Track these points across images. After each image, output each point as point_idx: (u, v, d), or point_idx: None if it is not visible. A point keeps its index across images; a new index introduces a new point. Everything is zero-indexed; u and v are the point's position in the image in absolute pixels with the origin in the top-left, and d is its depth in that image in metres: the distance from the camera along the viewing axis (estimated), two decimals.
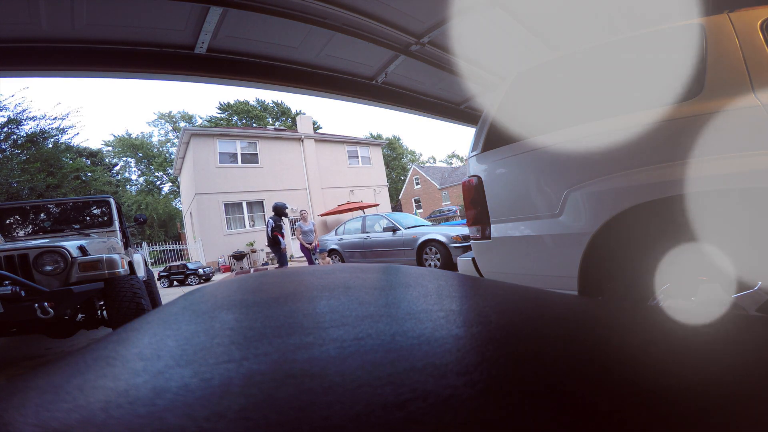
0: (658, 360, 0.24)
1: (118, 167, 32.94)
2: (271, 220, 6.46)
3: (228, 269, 13.86)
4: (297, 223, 7.34)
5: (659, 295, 1.33)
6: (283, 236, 6.57)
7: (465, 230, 6.04)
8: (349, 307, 0.38)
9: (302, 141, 17.08)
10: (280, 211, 6.59)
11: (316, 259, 7.44)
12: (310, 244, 7.21)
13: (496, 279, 1.54)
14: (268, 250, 14.74)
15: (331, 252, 8.43)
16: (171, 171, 27.60)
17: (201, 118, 36.55)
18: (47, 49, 2.38)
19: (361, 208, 15.07)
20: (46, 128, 12.68)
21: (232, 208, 14.98)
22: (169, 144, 34.38)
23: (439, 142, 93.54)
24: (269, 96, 38.55)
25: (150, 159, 33.18)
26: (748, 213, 1.19)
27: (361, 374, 0.21)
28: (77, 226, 4.14)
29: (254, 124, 31.36)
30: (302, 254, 7.66)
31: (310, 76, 3.44)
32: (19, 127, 11.80)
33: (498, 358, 0.24)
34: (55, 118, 12.93)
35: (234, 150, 15.47)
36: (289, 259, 14.96)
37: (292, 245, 15.92)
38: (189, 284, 11.40)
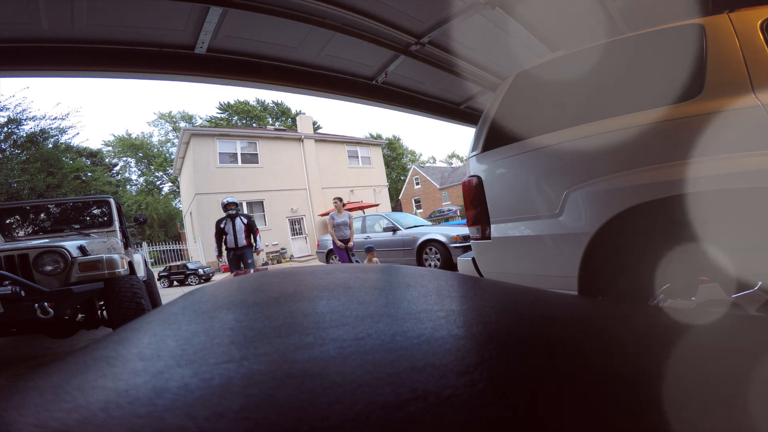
0: (657, 360, 0.24)
1: (118, 167, 32.97)
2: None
3: (228, 269, 13.85)
4: (330, 215, 5.94)
5: (659, 295, 1.33)
6: (222, 240, 5.22)
7: (465, 230, 6.04)
8: (349, 307, 0.38)
9: (302, 141, 17.09)
10: (223, 206, 5.25)
11: (356, 260, 6.05)
12: (346, 241, 5.84)
13: (496, 279, 1.54)
14: (269, 250, 14.72)
15: (331, 252, 8.42)
16: (171, 171, 27.61)
17: (201, 118, 36.57)
18: (47, 49, 2.37)
19: (361, 208, 15.07)
20: (46, 128, 12.68)
21: None
22: (169, 144, 34.40)
23: (439, 142, 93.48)
24: (269, 96, 38.56)
25: (150, 159, 33.18)
26: (748, 213, 1.19)
27: (361, 374, 0.21)
28: (77, 226, 4.14)
29: (254, 124, 31.35)
30: (336, 254, 6.03)
31: (310, 76, 3.44)
32: (19, 127, 11.80)
33: (498, 358, 0.24)
34: (55, 118, 12.94)
35: (234, 150, 15.48)
36: (288, 260, 14.92)
37: (292, 245, 15.95)
38: (189, 284, 11.41)
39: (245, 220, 5.31)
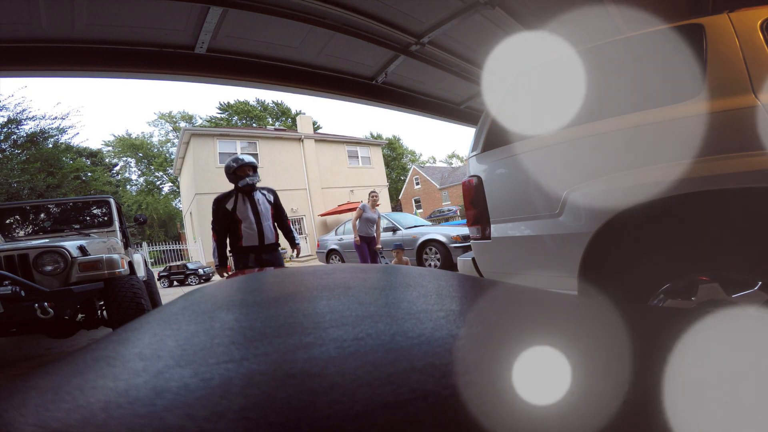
0: (657, 360, 0.24)
1: (118, 167, 33.00)
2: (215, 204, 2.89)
3: (228, 269, 13.84)
4: (361, 205, 5.20)
5: (659, 295, 1.33)
6: (219, 235, 2.90)
7: (465, 230, 6.04)
8: (348, 307, 0.38)
9: (302, 141, 17.09)
10: (229, 173, 2.86)
11: (386, 261, 5.44)
12: (370, 239, 5.20)
13: (496, 279, 1.54)
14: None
15: (331, 252, 8.42)
16: (171, 171, 27.63)
17: (201, 118, 36.59)
18: (47, 49, 2.38)
19: None
20: (46, 128, 12.69)
21: None
22: (169, 144, 34.43)
23: (439, 142, 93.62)
24: (269, 96, 38.60)
25: (150, 159, 33.20)
26: (748, 213, 1.19)
27: (361, 374, 0.21)
28: (77, 226, 4.14)
29: (254, 124, 31.35)
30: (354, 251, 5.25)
31: (310, 76, 3.44)
32: (19, 127, 11.81)
33: (498, 358, 0.24)
34: (55, 117, 12.95)
35: (234, 150, 15.48)
36: (288, 260, 14.87)
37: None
38: (189, 284, 11.41)
39: (271, 198, 2.98)
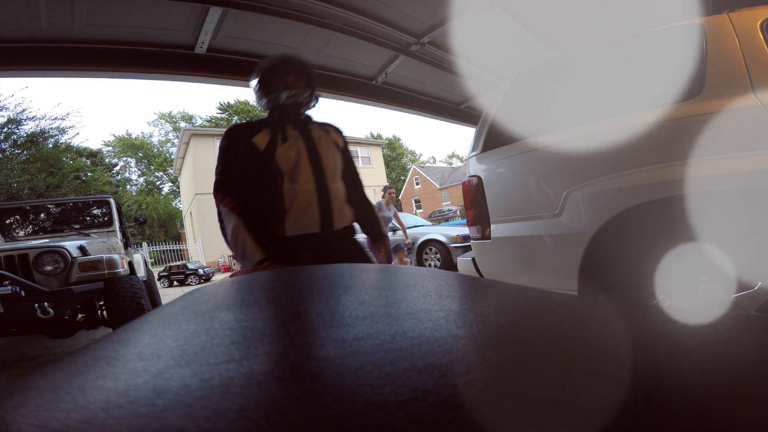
0: (658, 360, 0.24)
1: (118, 167, 33.00)
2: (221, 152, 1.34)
3: (228, 269, 13.86)
4: (377, 202, 4.81)
5: (659, 295, 1.33)
6: (226, 221, 1.27)
7: (465, 230, 6.03)
8: (348, 307, 0.38)
9: None
10: (255, 88, 1.31)
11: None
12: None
13: (496, 279, 1.54)
14: None
15: None
16: (171, 171, 27.64)
17: (201, 118, 36.52)
18: (47, 49, 2.38)
19: None
20: (46, 128, 12.71)
21: None
22: (169, 144, 34.42)
23: (439, 142, 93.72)
24: None
25: (150, 159, 33.20)
26: (748, 213, 1.19)
27: (361, 374, 0.21)
28: (77, 226, 4.14)
29: None
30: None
31: None
32: (19, 127, 11.83)
33: (498, 358, 0.24)
34: (55, 118, 12.97)
35: None
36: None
37: None
38: (189, 284, 11.41)
39: (340, 141, 1.40)
